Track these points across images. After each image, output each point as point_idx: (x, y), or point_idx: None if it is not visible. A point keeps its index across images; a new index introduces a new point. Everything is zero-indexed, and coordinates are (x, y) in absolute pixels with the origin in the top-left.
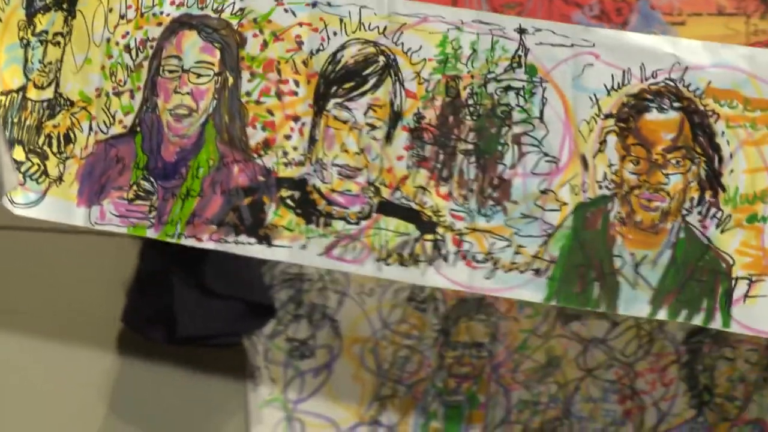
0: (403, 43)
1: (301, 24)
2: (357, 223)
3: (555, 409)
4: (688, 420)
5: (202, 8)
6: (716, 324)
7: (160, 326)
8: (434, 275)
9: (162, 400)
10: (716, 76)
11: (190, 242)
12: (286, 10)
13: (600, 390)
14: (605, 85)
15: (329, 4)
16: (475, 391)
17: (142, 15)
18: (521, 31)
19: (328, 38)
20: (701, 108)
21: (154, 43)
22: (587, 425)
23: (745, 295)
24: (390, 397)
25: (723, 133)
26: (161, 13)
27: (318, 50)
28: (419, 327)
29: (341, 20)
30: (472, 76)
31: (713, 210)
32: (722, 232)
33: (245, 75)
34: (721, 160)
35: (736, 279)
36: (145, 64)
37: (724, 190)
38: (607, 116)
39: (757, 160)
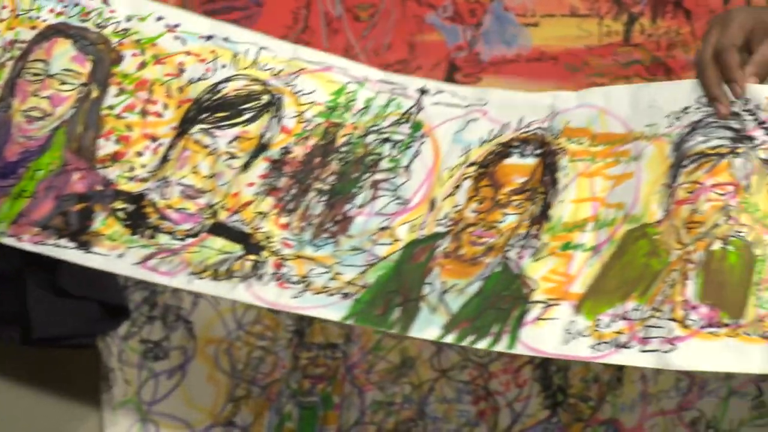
0: (295, 85)
1: (188, 53)
2: (182, 239)
3: (409, 409)
4: (542, 420)
5: (83, 21)
6: (501, 347)
7: (14, 326)
8: (243, 292)
9: (13, 402)
10: (575, 116)
11: (9, 241)
12: (176, 38)
13: (454, 391)
14: (480, 138)
15: (227, 40)
16: (329, 392)
17: (16, 17)
18: (423, 91)
19: (215, 70)
20: (554, 148)
21: (24, 45)
22: (441, 426)
23: (537, 318)
24: (244, 398)
25: (565, 167)
26: (38, 18)
27: (199, 79)
28: (273, 328)
29: (235, 55)
30: (355, 128)
31: (532, 241)
32: (536, 260)
33: (113, 90)
34: (555, 192)
35: (534, 303)
36: (9, 64)
37: (548, 220)
38: (472, 164)
39: (586, 191)
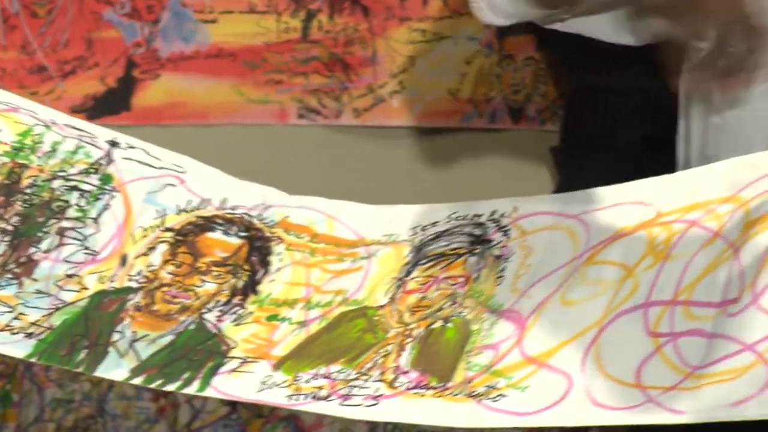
0: None
1: None
2: None
3: (89, 406)
4: (222, 417)
5: None
6: (191, 390)
7: None
8: None
9: None
10: (295, 212)
11: None
12: None
13: (134, 388)
14: (177, 206)
15: None
16: (9, 389)
17: None
18: (113, 144)
19: None
20: (267, 235)
21: None
22: (121, 423)
23: (233, 370)
24: None
25: (280, 253)
26: None
27: None
28: None
29: None
30: (41, 171)
31: (236, 309)
32: (237, 325)
33: None
34: (266, 272)
35: (231, 358)
36: None
37: (256, 294)
38: (168, 229)
39: (301, 277)
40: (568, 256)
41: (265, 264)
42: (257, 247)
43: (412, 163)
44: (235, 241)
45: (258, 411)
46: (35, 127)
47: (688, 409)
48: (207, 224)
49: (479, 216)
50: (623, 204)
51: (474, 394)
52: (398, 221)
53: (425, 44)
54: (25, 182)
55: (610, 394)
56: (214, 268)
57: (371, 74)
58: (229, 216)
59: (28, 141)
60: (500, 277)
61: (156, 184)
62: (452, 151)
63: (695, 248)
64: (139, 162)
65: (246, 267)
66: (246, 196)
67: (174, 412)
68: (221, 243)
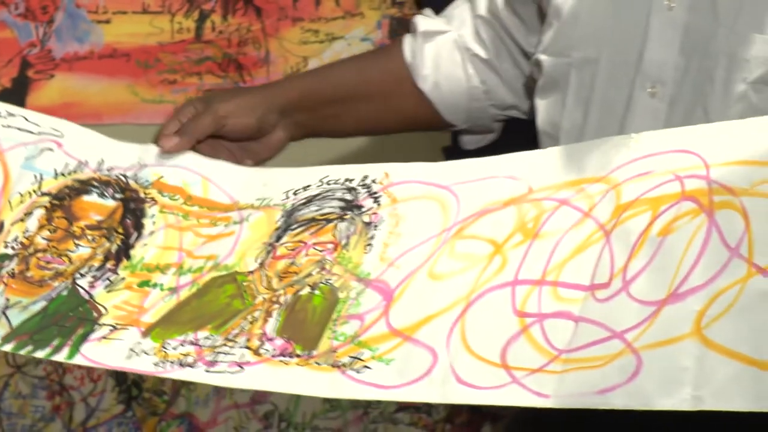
0: None
1: None
2: None
3: None
4: (117, 415)
5: None
6: (60, 357)
7: None
8: None
9: None
10: (170, 172)
11: None
12: None
13: (29, 386)
14: (55, 170)
15: None
16: None
17: None
18: None
19: None
20: (142, 196)
21: None
22: (17, 421)
23: (102, 337)
24: None
25: (153, 215)
26: None
27: None
28: None
29: None
30: None
31: (108, 274)
32: (109, 291)
33: None
34: (139, 236)
35: (101, 325)
36: None
37: (129, 259)
38: (45, 194)
39: (174, 242)
40: (438, 228)
41: (138, 227)
42: (131, 209)
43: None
44: (111, 203)
45: (152, 409)
46: None
47: (553, 394)
48: (83, 187)
49: (350, 181)
50: (495, 177)
51: (338, 364)
52: (272, 184)
53: (318, 44)
54: None
55: (475, 373)
56: (88, 232)
57: (264, 74)
58: (104, 178)
59: None
60: (369, 245)
61: (34, 149)
62: (342, 152)
63: (565, 228)
64: (19, 129)
65: (120, 230)
66: (122, 156)
67: (69, 411)
68: (96, 206)
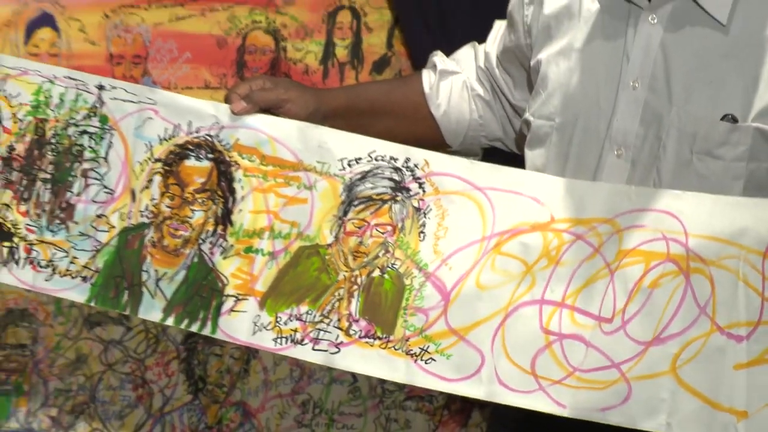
0: (5, 90)
1: None
2: None
3: (83, 395)
4: (187, 403)
5: None
6: (207, 331)
7: None
8: (7, 275)
9: None
10: (243, 134)
11: None
12: None
13: (118, 380)
14: (159, 136)
15: None
16: (20, 381)
17: None
18: (100, 87)
19: None
20: (227, 159)
21: None
22: (109, 408)
23: (231, 309)
24: None
25: (240, 179)
26: None
27: None
28: None
29: None
30: (57, 121)
31: (221, 240)
32: (224, 258)
33: None
34: (234, 201)
35: (227, 296)
36: None
37: (232, 225)
38: (157, 160)
39: (261, 205)
40: (478, 234)
41: (231, 191)
42: (222, 171)
43: None
44: (206, 165)
45: (214, 398)
46: (43, 84)
47: (569, 405)
48: (182, 152)
49: (395, 160)
50: (521, 195)
51: (411, 352)
52: (327, 146)
53: None
54: (49, 134)
55: (512, 377)
56: (198, 196)
57: None
58: (196, 140)
59: (41, 97)
60: (422, 232)
61: (139, 119)
62: None
63: (580, 259)
64: (123, 100)
65: (219, 193)
66: (203, 116)
67: (149, 400)
68: (197, 169)
